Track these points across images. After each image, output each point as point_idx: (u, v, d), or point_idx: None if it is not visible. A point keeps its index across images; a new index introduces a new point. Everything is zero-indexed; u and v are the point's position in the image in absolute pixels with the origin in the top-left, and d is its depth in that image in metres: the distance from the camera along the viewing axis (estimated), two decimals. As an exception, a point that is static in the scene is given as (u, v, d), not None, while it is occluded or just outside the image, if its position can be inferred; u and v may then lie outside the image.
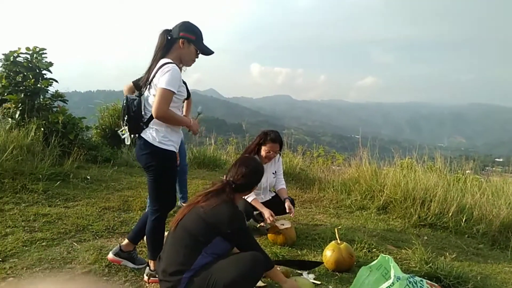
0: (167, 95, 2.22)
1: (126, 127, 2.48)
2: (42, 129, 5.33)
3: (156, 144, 2.33)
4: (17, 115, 5.49)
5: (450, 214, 4.28)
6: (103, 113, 7.49)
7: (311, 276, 2.79)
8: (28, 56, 5.75)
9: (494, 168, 6.73)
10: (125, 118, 2.43)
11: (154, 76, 2.31)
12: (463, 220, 4.24)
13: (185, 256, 1.93)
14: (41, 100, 5.84)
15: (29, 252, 2.79)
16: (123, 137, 2.58)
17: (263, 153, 3.51)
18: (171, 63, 2.30)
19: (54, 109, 5.99)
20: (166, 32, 2.41)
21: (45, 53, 5.90)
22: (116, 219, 3.67)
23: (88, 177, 4.97)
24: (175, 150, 2.42)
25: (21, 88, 5.62)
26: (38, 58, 5.80)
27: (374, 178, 5.22)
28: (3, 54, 5.65)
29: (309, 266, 2.78)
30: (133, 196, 4.45)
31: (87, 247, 2.95)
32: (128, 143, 2.55)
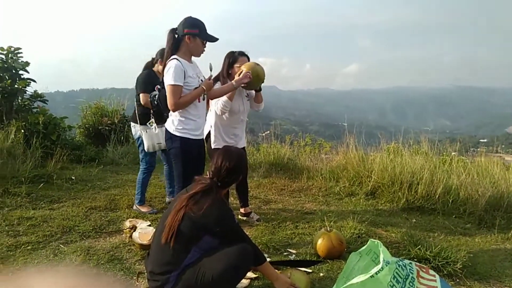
0: (174, 90, 2.61)
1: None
2: (22, 130, 5.21)
3: (172, 131, 2.79)
4: (-5, 118, 5.36)
5: (437, 196, 4.32)
6: (86, 111, 7.34)
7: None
8: (3, 56, 5.59)
9: (479, 149, 6.82)
10: (152, 112, 3.43)
11: None
12: (450, 201, 4.29)
13: (174, 256, 1.88)
14: (20, 101, 5.71)
15: (14, 257, 2.72)
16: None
17: (236, 69, 3.39)
18: (172, 59, 2.65)
19: (34, 110, 5.86)
20: (173, 31, 2.73)
21: (21, 53, 5.75)
22: (103, 218, 3.61)
23: (73, 177, 4.87)
24: (190, 137, 2.78)
25: (-3, 89, 5.47)
26: (14, 58, 5.65)
27: (361, 164, 5.23)
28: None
29: (307, 264, 2.74)
30: (120, 194, 4.37)
31: (74, 248, 2.90)
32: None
